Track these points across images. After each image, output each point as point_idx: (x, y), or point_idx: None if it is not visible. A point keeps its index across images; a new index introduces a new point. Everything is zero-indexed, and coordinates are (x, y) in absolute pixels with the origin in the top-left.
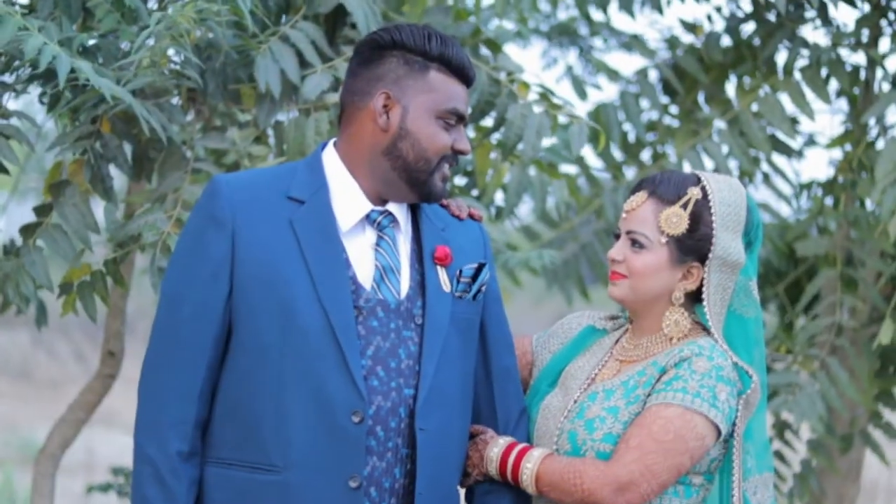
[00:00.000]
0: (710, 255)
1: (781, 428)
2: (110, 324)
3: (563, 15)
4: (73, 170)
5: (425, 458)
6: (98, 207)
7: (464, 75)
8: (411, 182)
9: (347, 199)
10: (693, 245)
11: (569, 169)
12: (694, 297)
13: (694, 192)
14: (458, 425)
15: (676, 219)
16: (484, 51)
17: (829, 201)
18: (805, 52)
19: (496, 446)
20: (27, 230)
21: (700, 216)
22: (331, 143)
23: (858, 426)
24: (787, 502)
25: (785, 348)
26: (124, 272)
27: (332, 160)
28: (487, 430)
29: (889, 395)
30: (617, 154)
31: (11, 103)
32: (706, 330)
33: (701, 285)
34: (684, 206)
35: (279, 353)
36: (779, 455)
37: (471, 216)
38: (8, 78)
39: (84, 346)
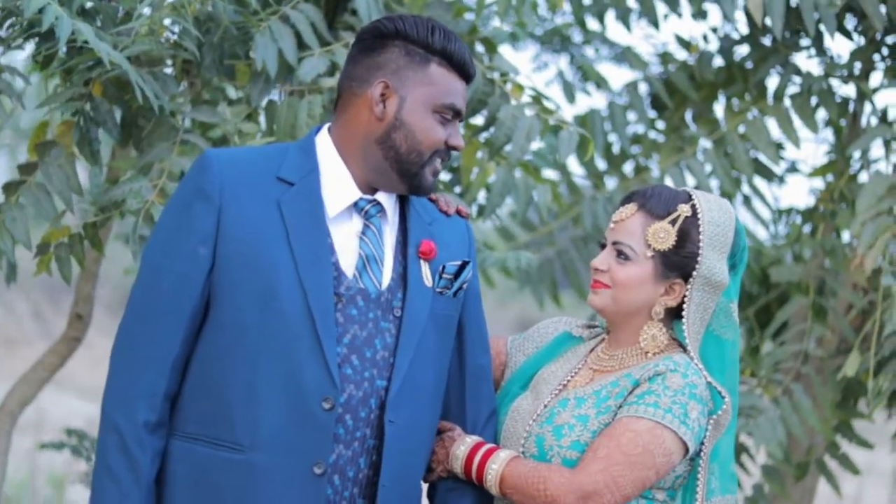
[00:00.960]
0: (695, 274)
1: (738, 451)
2: (81, 287)
3: (558, 20)
4: (60, 131)
5: (392, 451)
6: (81, 171)
7: (464, 71)
8: (402, 173)
9: (337, 184)
10: (678, 261)
11: (550, 174)
12: (673, 314)
13: (684, 210)
14: (428, 420)
15: (664, 234)
16: (479, 49)
17: (806, 229)
18: (797, 79)
19: (463, 444)
20: (9, 188)
21: (688, 233)
22: (325, 127)
23: (815, 455)
24: None
25: (749, 371)
26: (101, 237)
27: (325, 145)
28: (455, 428)
29: (848, 427)
30: (600, 164)
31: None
32: (682, 347)
33: (682, 302)
34: (673, 222)
35: (256, 332)
36: None
37: (458, 213)
38: (2, 33)
39: (43, 306)
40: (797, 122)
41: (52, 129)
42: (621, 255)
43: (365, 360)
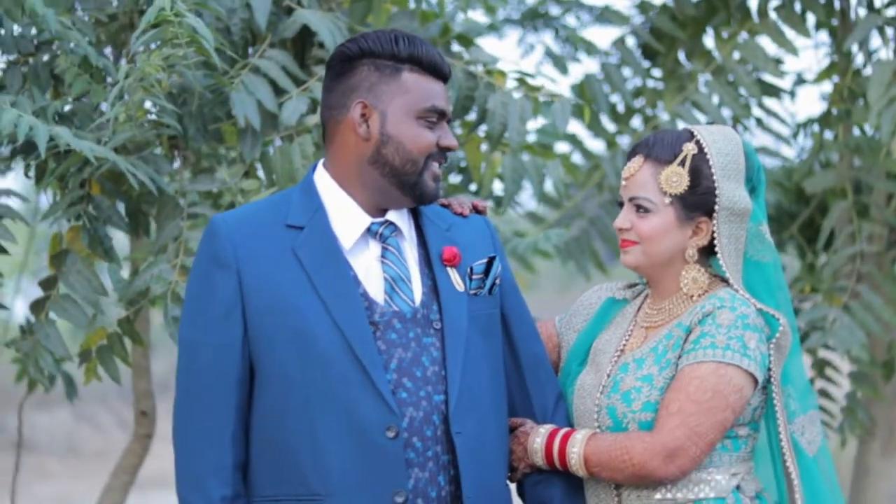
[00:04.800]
0: (717, 208)
1: (821, 366)
2: (137, 384)
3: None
4: (70, 237)
5: (467, 461)
6: (102, 270)
7: (437, 71)
8: (402, 186)
9: (345, 216)
10: (697, 201)
11: (562, 147)
12: (708, 251)
13: (689, 148)
14: (494, 423)
15: (676, 177)
16: (456, 47)
17: (827, 135)
18: None
19: (538, 436)
20: (37, 305)
21: (699, 170)
22: (320, 163)
23: None
24: (839, 437)
25: (809, 287)
26: (140, 329)
27: (324, 180)
28: (526, 422)
29: None
30: (610, 126)
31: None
32: (725, 281)
33: (712, 239)
34: (682, 164)
35: (303, 381)
36: (823, 393)
37: (475, 209)
38: None
39: (124, 412)
40: (789, 33)
41: (64, 237)
42: (640, 208)
43: (416, 379)
